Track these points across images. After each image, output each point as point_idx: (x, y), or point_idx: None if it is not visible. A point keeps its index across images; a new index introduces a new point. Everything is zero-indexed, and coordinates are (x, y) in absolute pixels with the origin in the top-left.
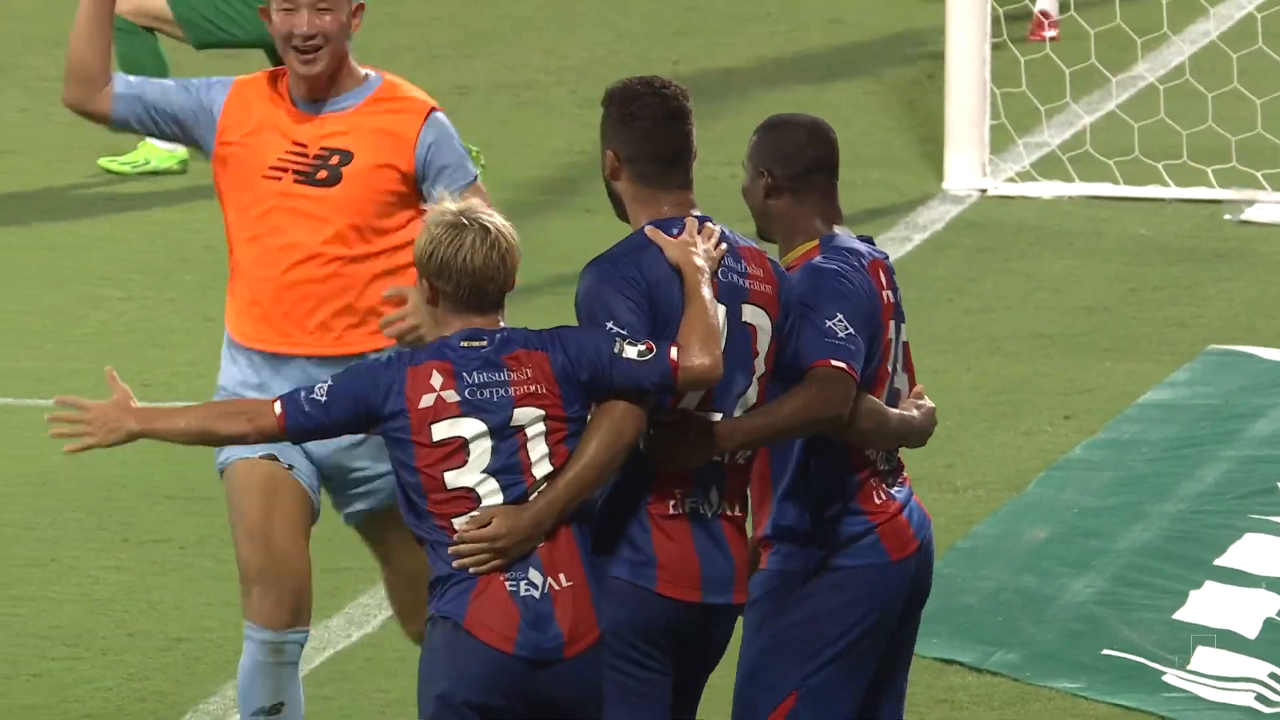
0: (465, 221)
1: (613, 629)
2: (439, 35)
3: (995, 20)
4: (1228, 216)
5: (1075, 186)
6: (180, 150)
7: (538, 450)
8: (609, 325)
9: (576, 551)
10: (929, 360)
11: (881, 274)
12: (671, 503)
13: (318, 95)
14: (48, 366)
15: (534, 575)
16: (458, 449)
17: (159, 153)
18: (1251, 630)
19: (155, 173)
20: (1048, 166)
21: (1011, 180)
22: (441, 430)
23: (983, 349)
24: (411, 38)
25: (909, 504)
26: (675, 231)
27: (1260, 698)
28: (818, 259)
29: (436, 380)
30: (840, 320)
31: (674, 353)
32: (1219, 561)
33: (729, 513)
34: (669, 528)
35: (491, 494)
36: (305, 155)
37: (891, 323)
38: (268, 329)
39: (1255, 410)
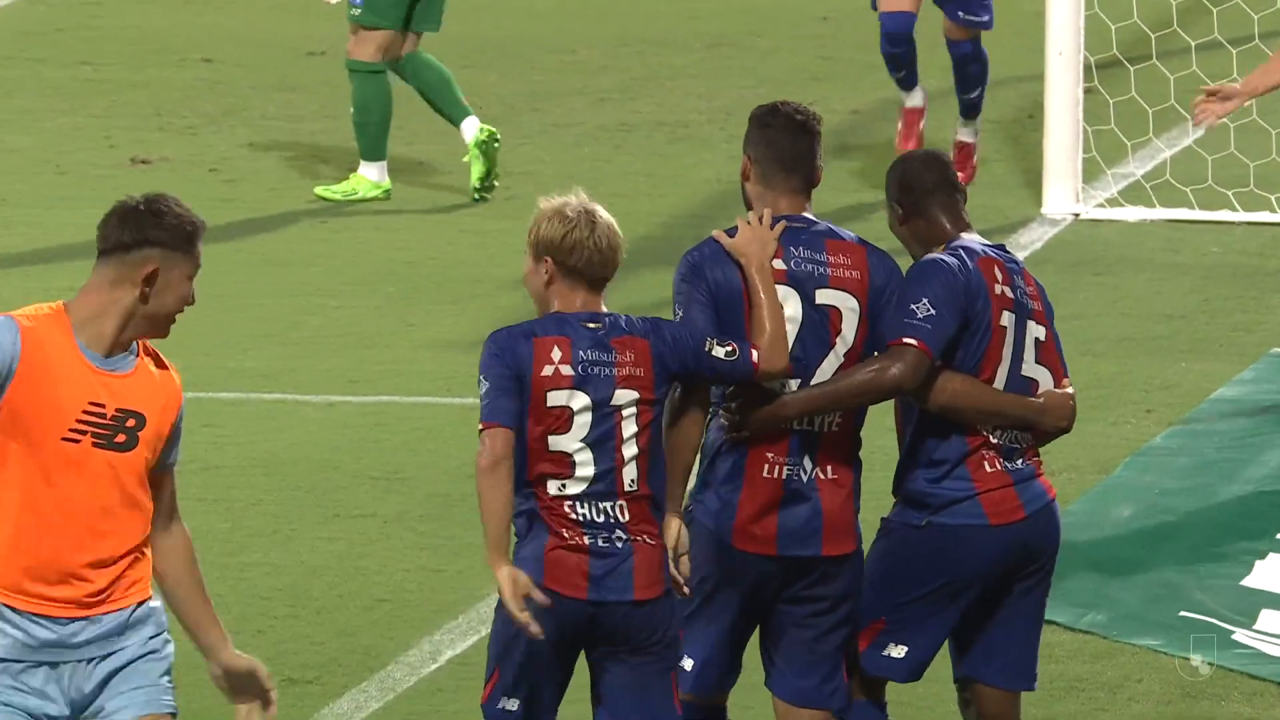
0: (594, 209)
1: (695, 566)
2: (606, 80)
3: (1087, 68)
4: None
5: (1156, 211)
6: (386, 183)
7: (629, 429)
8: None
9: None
10: None
11: (997, 270)
12: (765, 466)
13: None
14: (271, 365)
15: (617, 533)
16: (564, 418)
17: (367, 184)
18: None
19: (363, 200)
20: (1133, 194)
21: (1101, 206)
22: (555, 398)
23: (1075, 351)
24: (582, 82)
25: (1026, 481)
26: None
27: None
28: (931, 254)
29: (556, 354)
30: (924, 303)
31: (754, 355)
32: None
33: (823, 476)
34: (760, 486)
35: (585, 463)
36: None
37: (1006, 313)
38: None
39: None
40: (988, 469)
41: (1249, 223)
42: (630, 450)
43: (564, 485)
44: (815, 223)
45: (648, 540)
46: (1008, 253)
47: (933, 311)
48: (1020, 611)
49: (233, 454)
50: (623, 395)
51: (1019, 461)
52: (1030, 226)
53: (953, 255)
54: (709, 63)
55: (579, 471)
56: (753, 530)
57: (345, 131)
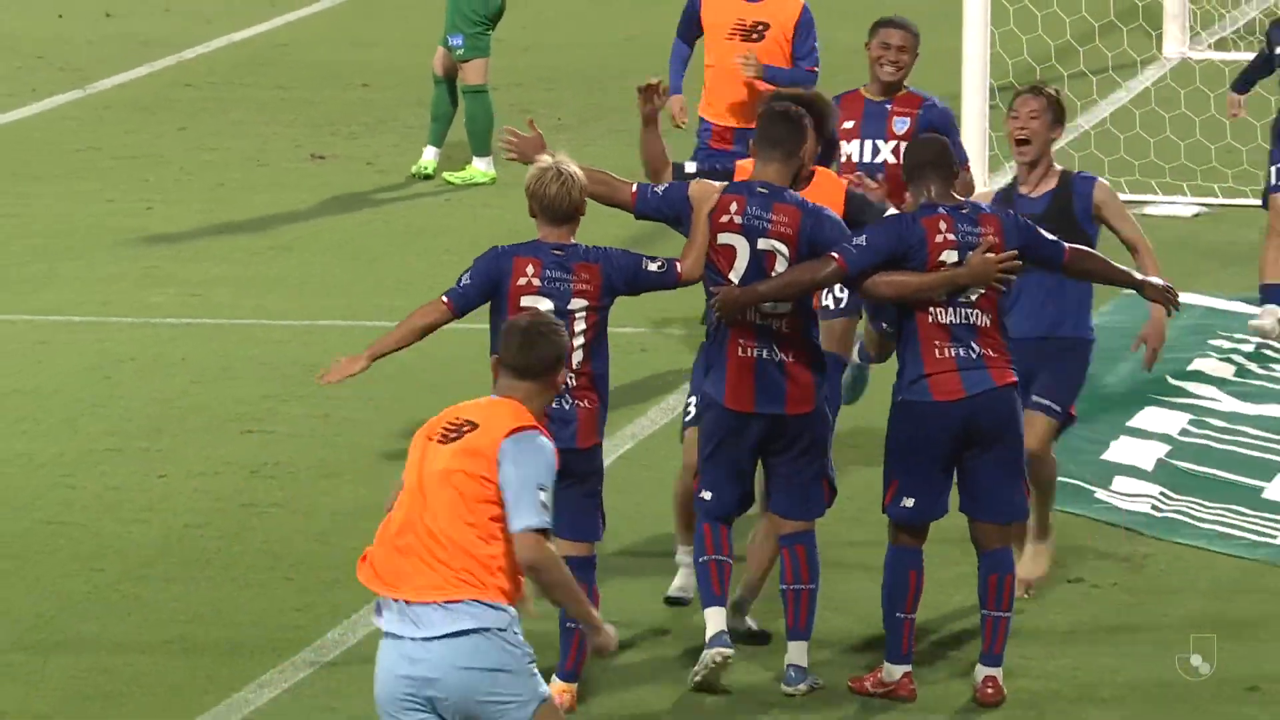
0: (560, 168)
1: (705, 427)
2: None
3: (991, 90)
4: (1135, 211)
5: None
6: (493, 172)
7: (579, 326)
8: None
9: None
10: None
11: (942, 223)
12: (740, 349)
13: None
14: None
15: (566, 398)
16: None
17: (479, 173)
18: (1149, 465)
19: (476, 184)
20: None
21: None
22: (526, 301)
23: None
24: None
25: (972, 368)
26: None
27: (1154, 506)
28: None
29: (530, 270)
30: (863, 238)
31: (679, 266)
32: (1129, 423)
33: (783, 358)
34: (739, 364)
35: None
36: None
37: (949, 251)
38: None
39: None
40: (937, 355)
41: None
42: (579, 340)
43: None
44: (780, 190)
45: (586, 405)
46: (971, 209)
47: (863, 244)
48: (992, 466)
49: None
50: (576, 302)
51: (970, 347)
52: None
53: (911, 214)
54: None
55: None
56: (739, 394)
57: (463, 135)
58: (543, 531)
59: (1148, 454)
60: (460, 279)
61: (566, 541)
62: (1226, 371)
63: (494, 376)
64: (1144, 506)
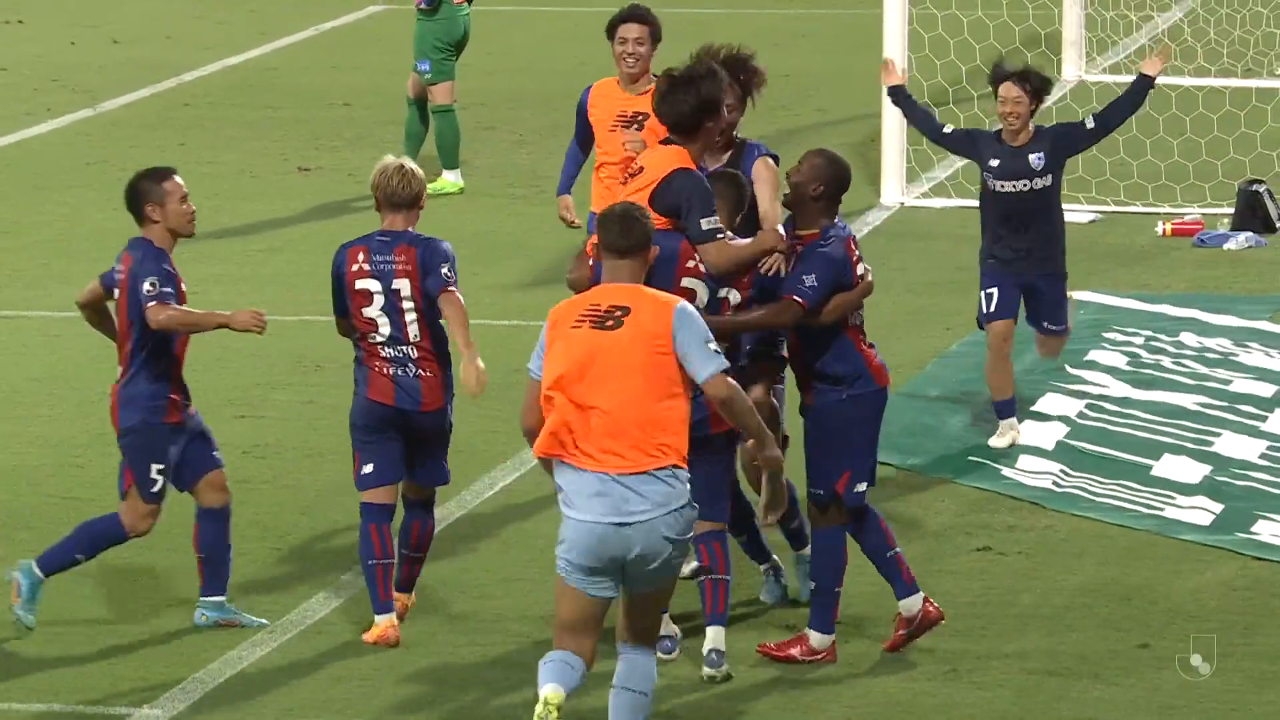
0: (397, 164)
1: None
2: None
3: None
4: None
5: (953, 200)
6: (461, 183)
7: (408, 304)
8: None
9: None
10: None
11: (851, 242)
12: None
13: None
14: None
15: (408, 367)
16: (368, 295)
17: (449, 184)
18: (1050, 445)
19: (446, 194)
20: (939, 189)
21: (918, 198)
22: (360, 284)
23: (900, 290)
24: None
25: (876, 351)
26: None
27: (1055, 482)
28: (822, 243)
29: (361, 256)
30: (812, 276)
31: (453, 289)
32: (1032, 408)
33: None
34: None
35: (384, 325)
36: None
37: (861, 264)
38: None
39: None
40: (865, 350)
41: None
42: (409, 317)
43: (373, 337)
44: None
45: (429, 374)
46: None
47: (816, 284)
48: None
49: None
50: (399, 282)
51: (868, 339)
52: (872, 210)
53: (834, 242)
54: None
55: (380, 330)
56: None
57: (433, 150)
58: (726, 372)
59: (1049, 435)
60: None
61: (417, 485)
62: (1119, 361)
63: (592, 258)
64: (1045, 482)
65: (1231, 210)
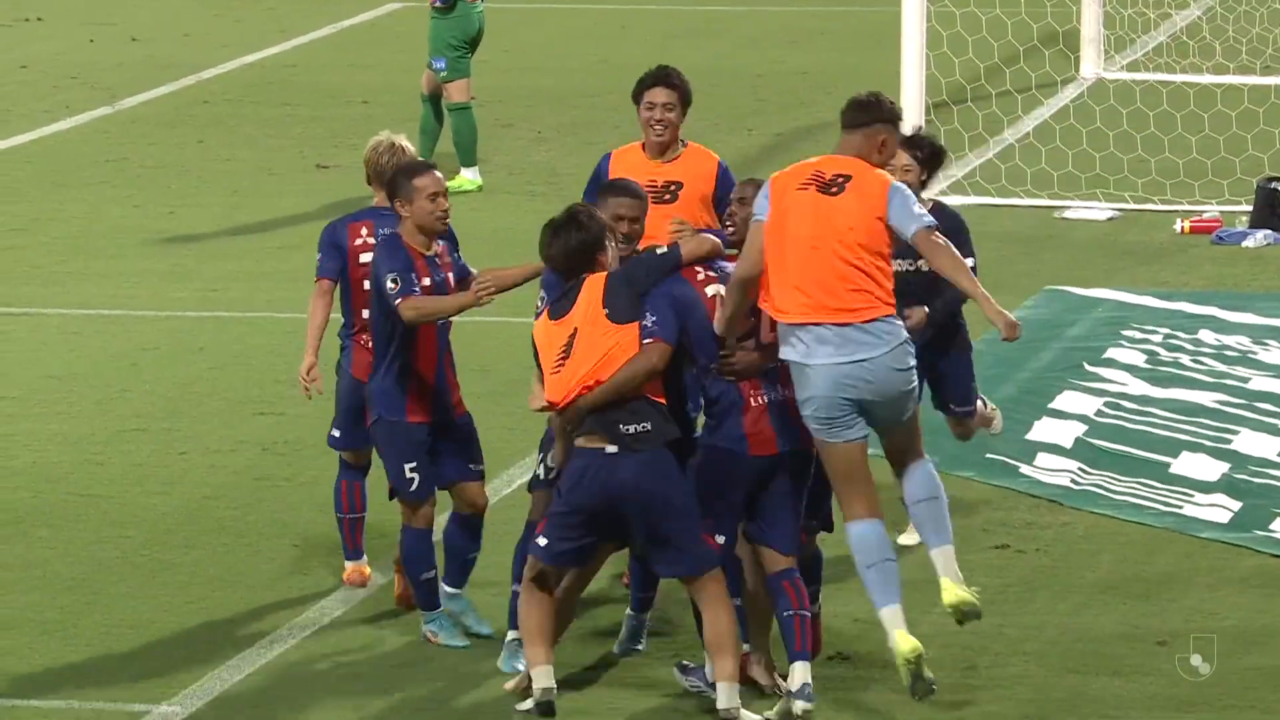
0: (390, 142)
1: None
2: (631, 114)
3: (926, 107)
4: (1056, 215)
5: (969, 198)
6: (479, 180)
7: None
8: None
9: None
10: None
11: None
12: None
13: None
14: None
15: None
16: (370, 268)
17: (467, 181)
18: (1068, 443)
19: (464, 191)
20: (956, 187)
21: (935, 196)
22: (365, 258)
23: None
24: (616, 116)
25: None
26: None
27: (1073, 479)
28: None
29: (364, 231)
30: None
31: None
32: (1050, 405)
33: None
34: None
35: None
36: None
37: None
38: None
39: (1070, 321)
40: None
41: (1028, 206)
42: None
43: (368, 313)
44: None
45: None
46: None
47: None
48: None
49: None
50: None
51: None
52: None
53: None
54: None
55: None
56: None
57: (450, 147)
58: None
59: (1067, 433)
60: (318, 260)
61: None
62: (1138, 359)
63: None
64: (1064, 480)
65: (1250, 207)
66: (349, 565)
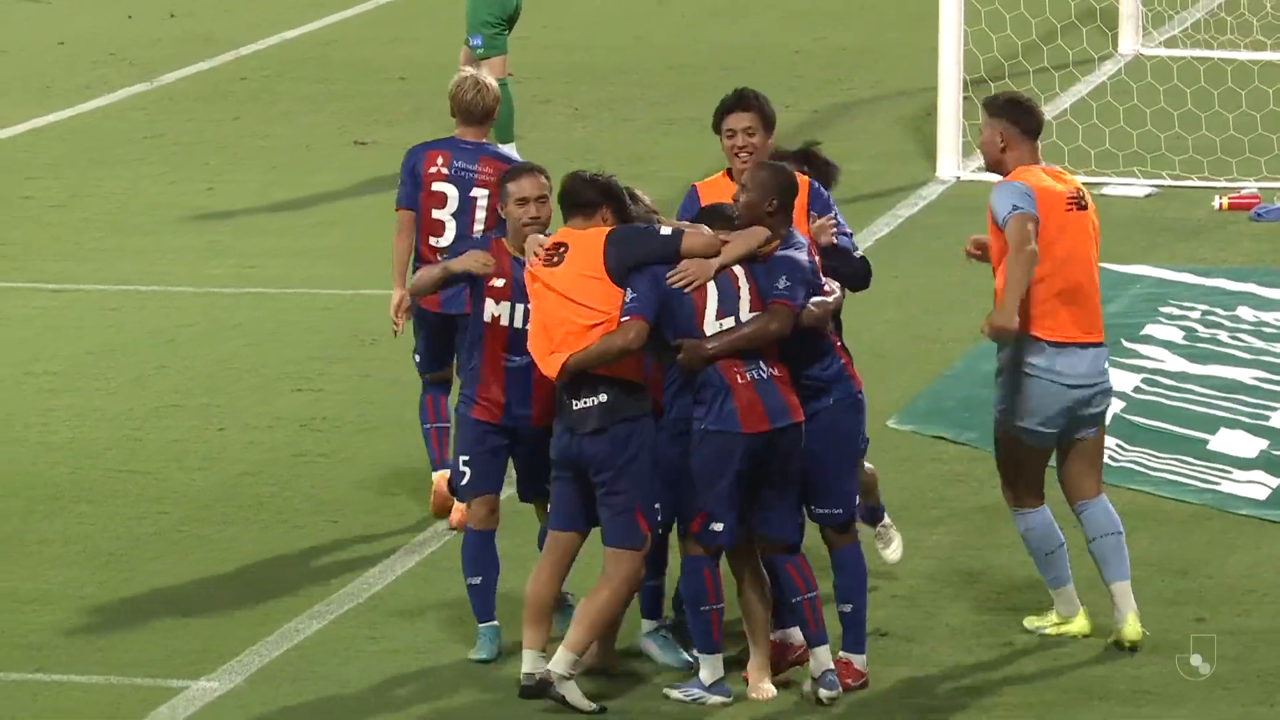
0: (473, 77)
1: None
2: (656, 93)
3: (965, 84)
4: (1094, 192)
5: None
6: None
7: (480, 214)
8: None
9: None
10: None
11: (814, 250)
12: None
13: None
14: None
15: None
16: (442, 197)
17: None
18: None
19: None
20: None
21: (973, 172)
22: (435, 185)
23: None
24: (641, 92)
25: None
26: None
27: (1111, 456)
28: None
29: (440, 160)
30: (784, 279)
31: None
32: None
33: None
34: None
35: (450, 226)
36: None
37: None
38: None
39: (1108, 298)
40: (851, 365)
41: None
42: (479, 227)
43: (437, 240)
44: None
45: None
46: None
47: (793, 283)
48: None
49: None
50: (478, 191)
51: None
52: (928, 185)
53: (798, 247)
54: (721, 79)
55: (445, 234)
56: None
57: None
58: None
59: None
60: (399, 189)
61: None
62: (1176, 335)
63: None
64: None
65: None
66: (436, 476)
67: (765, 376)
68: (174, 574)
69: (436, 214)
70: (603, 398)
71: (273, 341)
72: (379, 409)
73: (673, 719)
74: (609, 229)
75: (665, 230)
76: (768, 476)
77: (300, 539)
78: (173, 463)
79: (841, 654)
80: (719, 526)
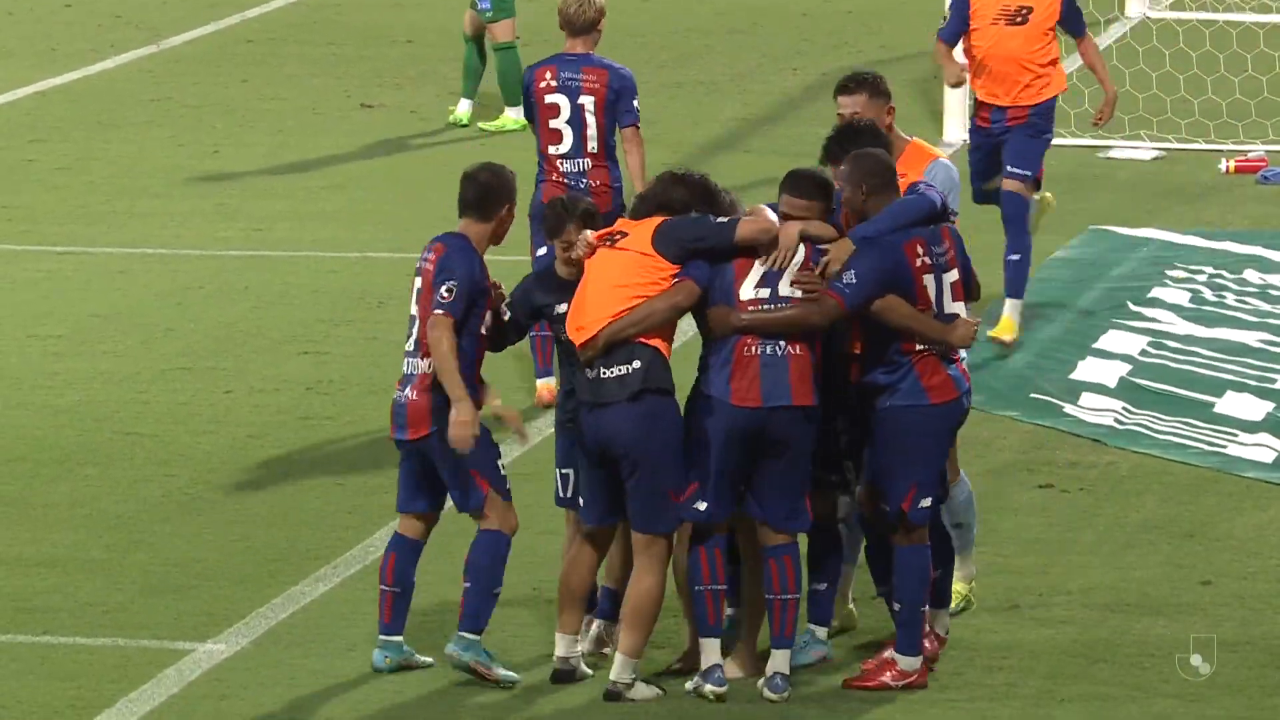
0: None
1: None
2: (664, 54)
3: None
4: (1100, 155)
5: None
6: (524, 120)
7: (590, 118)
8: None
9: None
10: None
11: (918, 246)
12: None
13: None
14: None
15: (583, 180)
16: (555, 108)
17: (511, 120)
18: (1112, 383)
19: (508, 131)
20: None
21: None
22: (547, 97)
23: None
24: (648, 55)
25: (954, 367)
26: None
27: (1117, 419)
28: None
29: (549, 75)
30: (851, 273)
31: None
32: (1094, 345)
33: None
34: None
35: (566, 134)
36: None
37: (926, 276)
38: None
39: (1116, 261)
40: (922, 359)
41: (1072, 146)
42: (592, 130)
43: (557, 148)
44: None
45: (596, 181)
46: (930, 229)
47: (854, 280)
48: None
49: None
50: (585, 99)
51: (950, 364)
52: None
53: (890, 239)
54: (728, 42)
55: (563, 141)
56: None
57: (495, 87)
58: None
59: (1111, 373)
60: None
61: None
62: (1182, 298)
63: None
64: (1107, 420)
65: None
66: (540, 384)
67: (780, 354)
68: (181, 537)
69: (553, 124)
70: (637, 364)
71: (280, 304)
72: (386, 372)
73: (670, 710)
74: (663, 217)
75: (719, 220)
76: (761, 457)
77: (307, 501)
78: (180, 425)
79: (888, 653)
80: (702, 505)
